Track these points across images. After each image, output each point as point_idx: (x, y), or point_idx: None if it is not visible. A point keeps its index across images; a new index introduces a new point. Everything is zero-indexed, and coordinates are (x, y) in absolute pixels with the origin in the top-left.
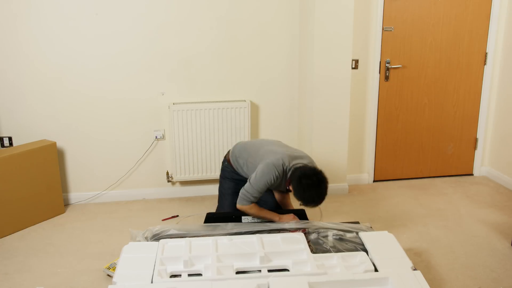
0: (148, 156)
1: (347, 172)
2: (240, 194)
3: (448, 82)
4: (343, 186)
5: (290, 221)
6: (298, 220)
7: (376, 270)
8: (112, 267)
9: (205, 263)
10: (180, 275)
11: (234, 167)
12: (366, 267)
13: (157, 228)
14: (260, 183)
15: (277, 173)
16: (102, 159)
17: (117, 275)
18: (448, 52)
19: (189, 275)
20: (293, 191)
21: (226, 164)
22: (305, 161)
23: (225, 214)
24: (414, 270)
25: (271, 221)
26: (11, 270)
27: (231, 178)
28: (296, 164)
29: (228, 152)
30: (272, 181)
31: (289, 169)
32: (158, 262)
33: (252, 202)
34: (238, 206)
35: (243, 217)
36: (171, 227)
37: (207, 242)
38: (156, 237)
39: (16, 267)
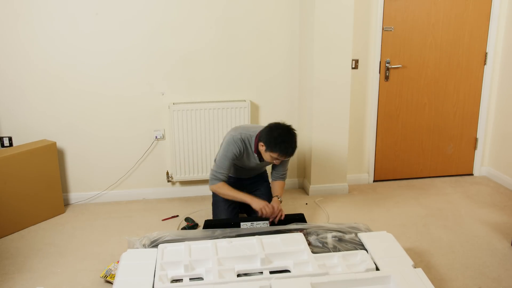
0: (148, 156)
1: (347, 172)
2: (209, 175)
3: (448, 82)
4: (343, 186)
5: (261, 206)
6: (270, 206)
7: (377, 269)
8: (108, 274)
9: (206, 266)
10: (182, 279)
11: None
12: (367, 265)
13: (155, 234)
14: (223, 159)
15: (237, 145)
16: (102, 159)
17: (117, 282)
18: (448, 52)
19: (191, 279)
20: (265, 145)
21: None
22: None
23: (223, 221)
24: (415, 268)
25: (243, 202)
26: (11, 270)
27: None
28: (255, 129)
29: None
30: (235, 154)
31: (247, 138)
32: (159, 267)
33: (221, 180)
34: (210, 187)
35: (241, 223)
36: (169, 233)
37: (207, 245)
38: (154, 244)
39: (16, 267)
